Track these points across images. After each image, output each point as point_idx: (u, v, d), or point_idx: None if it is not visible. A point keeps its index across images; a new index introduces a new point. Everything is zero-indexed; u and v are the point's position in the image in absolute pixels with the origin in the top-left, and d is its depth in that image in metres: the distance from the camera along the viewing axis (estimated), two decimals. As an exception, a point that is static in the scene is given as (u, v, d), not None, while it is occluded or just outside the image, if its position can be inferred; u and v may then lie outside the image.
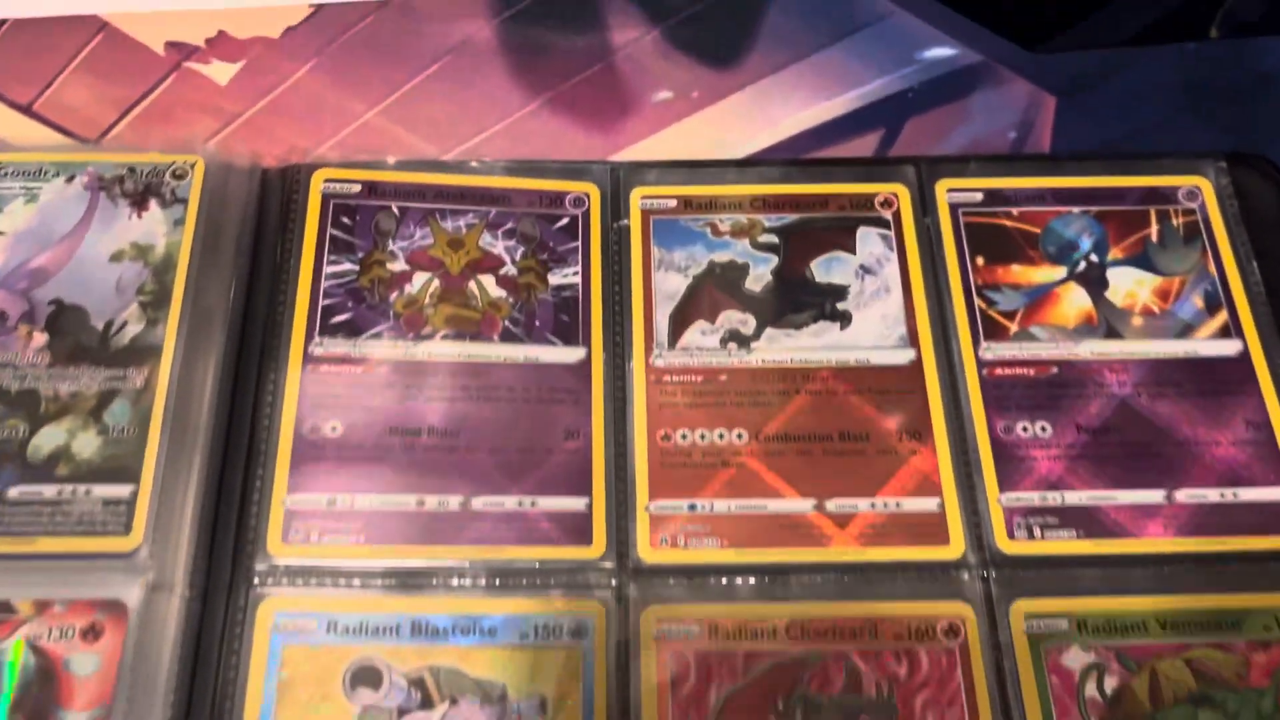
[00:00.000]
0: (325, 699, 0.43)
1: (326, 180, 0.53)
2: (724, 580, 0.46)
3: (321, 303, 0.50)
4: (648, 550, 0.47)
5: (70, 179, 0.52)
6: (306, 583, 0.45)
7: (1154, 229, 0.54)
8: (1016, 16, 0.59)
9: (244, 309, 0.51)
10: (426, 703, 0.43)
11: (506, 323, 0.51)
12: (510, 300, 0.51)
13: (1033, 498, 0.48)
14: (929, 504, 0.48)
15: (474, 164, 0.55)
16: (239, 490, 0.47)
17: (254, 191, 0.53)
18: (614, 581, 0.46)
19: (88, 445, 0.46)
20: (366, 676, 0.43)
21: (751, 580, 0.46)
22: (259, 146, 0.56)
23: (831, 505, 0.48)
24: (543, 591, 0.46)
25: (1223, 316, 0.52)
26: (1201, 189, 0.55)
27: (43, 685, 0.42)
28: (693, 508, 0.48)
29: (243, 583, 0.45)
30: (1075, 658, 0.45)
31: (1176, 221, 0.54)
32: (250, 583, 0.45)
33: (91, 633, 0.43)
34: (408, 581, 0.45)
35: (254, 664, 0.43)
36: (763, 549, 0.47)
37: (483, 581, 0.46)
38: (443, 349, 0.50)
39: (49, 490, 0.45)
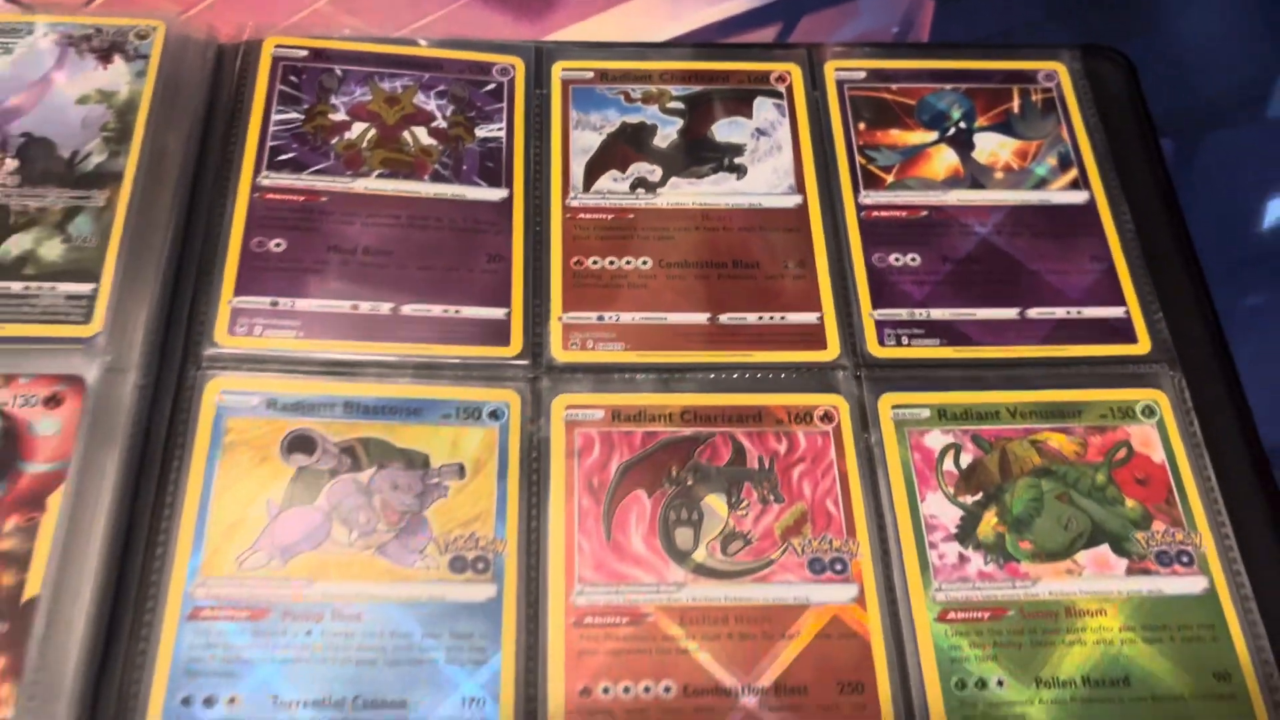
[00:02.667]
0: (264, 461, 0.48)
1: (277, 45, 0.59)
2: (627, 376, 0.52)
3: (269, 144, 0.56)
4: (560, 351, 0.52)
5: (43, 36, 0.57)
6: (250, 368, 0.50)
7: (1016, 103, 0.61)
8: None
9: (199, 153, 0.56)
10: (356, 466, 0.48)
11: (436, 166, 0.57)
12: (440, 148, 0.57)
13: (901, 313, 0.54)
14: (810, 317, 0.54)
15: (417, 41, 0.61)
16: (191, 293, 0.52)
17: (210, 60, 0.59)
18: (529, 375, 0.51)
19: (53, 251, 0.51)
20: (302, 444, 0.49)
21: (651, 376, 0.52)
22: (217, 26, 0.61)
23: (724, 318, 0.54)
24: (464, 382, 0.51)
25: (1073, 173, 0.59)
26: (1059, 72, 0.63)
27: (7, 442, 0.46)
28: (601, 318, 0.53)
29: (192, 366, 0.50)
30: (935, 439, 0.51)
31: (1036, 98, 0.62)
32: (199, 366, 0.50)
33: (53, 400, 0.48)
34: (341, 370, 0.51)
35: (200, 431, 0.48)
36: (662, 351, 0.53)
37: (409, 373, 0.51)
38: (378, 185, 0.56)
39: (16, 286, 0.50)
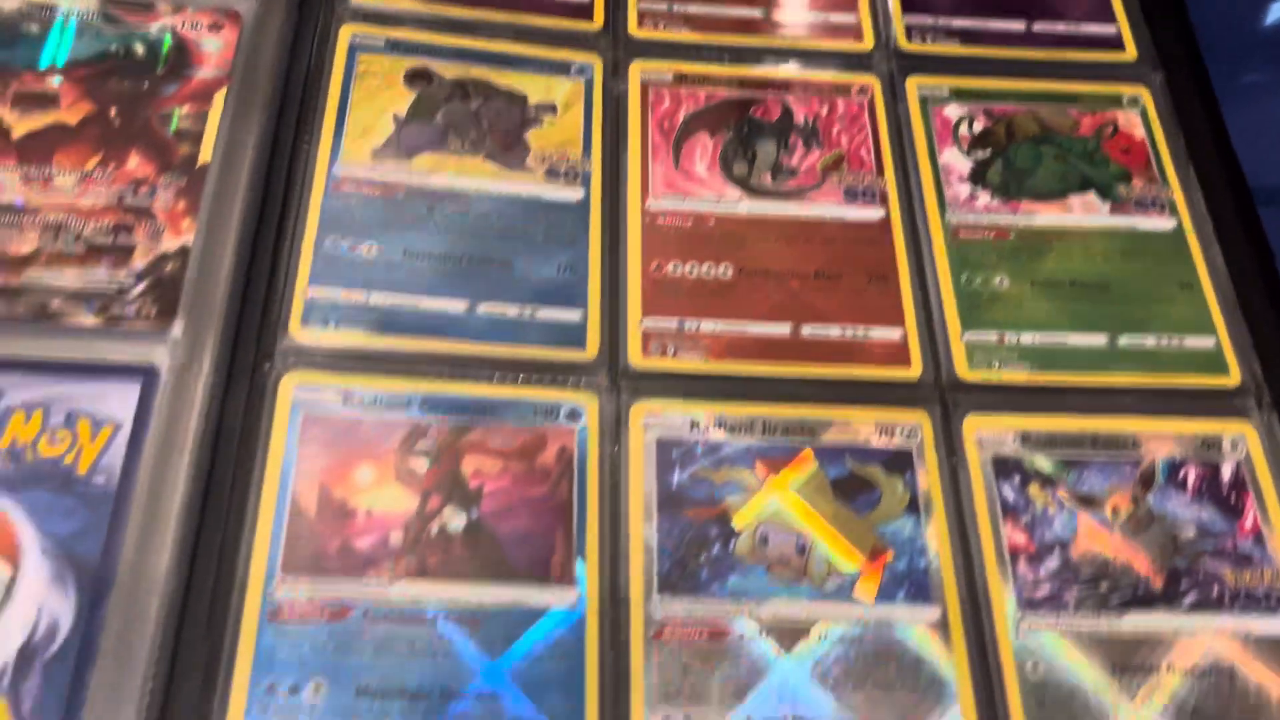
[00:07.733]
0: (389, 87, 0.57)
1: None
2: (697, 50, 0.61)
3: None
4: (635, 29, 0.62)
5: None
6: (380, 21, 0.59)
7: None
8: None
9: None
10: (465, 97, 0.58)
11: None
12: None
13: (927, 20, 0.64)
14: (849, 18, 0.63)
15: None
16: (325, -37, 0.61)
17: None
18: (609, 48, 0.61)
19: (210, -80, 0.60)
20: (420, 75, 0.58)
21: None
22: None
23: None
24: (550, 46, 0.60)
25: None
26: None
27: (180, 53, 0.56)
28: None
29: (334, 22, 0.59)
30: (953, 110, 0.61)
31: None
32: (340, 21, 0.59)
33: (215, 27, 0.57)
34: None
35: (335, 66, 0.58)
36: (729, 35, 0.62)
37: (510, 35, 0.60)
38: None
39: (180, -56, 0.59)
